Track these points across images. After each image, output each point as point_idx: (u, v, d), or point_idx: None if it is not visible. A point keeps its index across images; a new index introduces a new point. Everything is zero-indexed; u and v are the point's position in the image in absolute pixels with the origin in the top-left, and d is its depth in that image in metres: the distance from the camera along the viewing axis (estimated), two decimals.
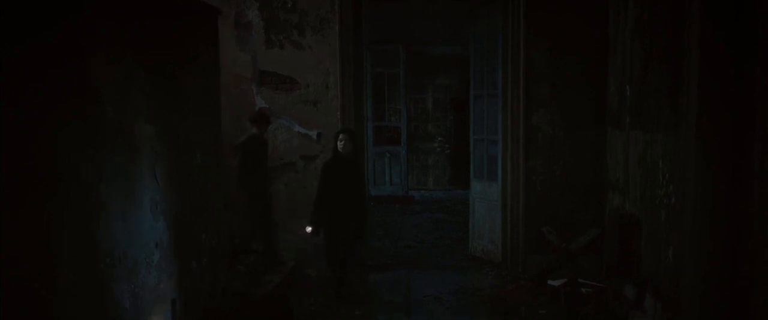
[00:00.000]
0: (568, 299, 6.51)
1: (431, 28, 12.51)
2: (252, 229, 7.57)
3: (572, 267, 7.17)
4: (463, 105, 13.02)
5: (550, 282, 6.91)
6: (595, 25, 7.28)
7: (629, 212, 6.50)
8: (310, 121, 7.70)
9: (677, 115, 5.15)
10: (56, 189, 3.49)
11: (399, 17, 11.88)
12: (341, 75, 7.71)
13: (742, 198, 4.59)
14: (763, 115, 4.20)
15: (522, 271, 7.54)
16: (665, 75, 5.48)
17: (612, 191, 7.14)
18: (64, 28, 3.60)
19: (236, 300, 5.86)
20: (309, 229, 6.78)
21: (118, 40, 4.21)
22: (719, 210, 4.67)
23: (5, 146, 3.10)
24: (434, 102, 15.42)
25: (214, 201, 5.96)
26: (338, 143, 6.82)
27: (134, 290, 4.37)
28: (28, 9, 3.27)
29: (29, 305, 3.26)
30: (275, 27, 7.68)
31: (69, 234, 3.59)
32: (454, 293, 7.07)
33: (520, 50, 7.48)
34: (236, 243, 7.19)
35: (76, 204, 3.67)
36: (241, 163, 7.38)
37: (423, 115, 15.46)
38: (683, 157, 4.97)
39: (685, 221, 4.92)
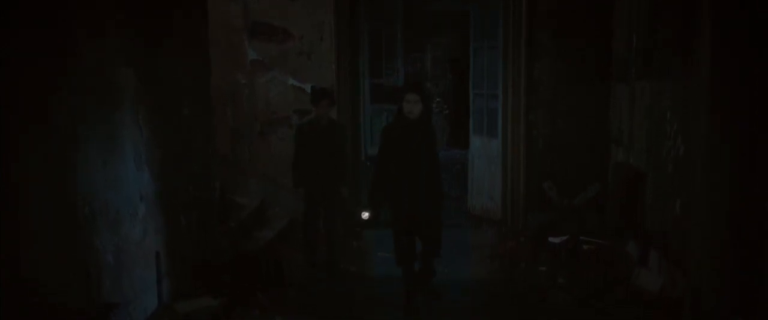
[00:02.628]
0: (570, 256, 6.33)
1: None
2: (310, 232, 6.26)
3: (574, 224, 6.99)
4: (462, 64, 12.75)
5: (550, 239, 6.73)
6: None
7: (634, 166, 6.29)
8: (304, 73, 7.42)
9: (689, 62, 4.90)
10: (23, 129, 3.25)
11: None
12: (336, 26, 7.41)
13: (757, 147, 4.38)
14: None
15: (522, 228, 7.36)
16: (676, 21, 5.22)
17: (616, 145, 6.92)
18: None
19: (226, 255, 5.66)
20: (366, 215, 5.37)
21: None
22: (732, 160, 4.47)
23: None
24: (433, 61, 15.15)
25: (204, 153, 5.74)
26: (405, 105, 5.15)
27: (118, 243, 4.16)
28: None
29: None
30: None
31: (39, 180, 3.36)
32: (452, 251, 6.88)
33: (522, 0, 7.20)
34: (228, 197, 6.97)
35: (47, 148, 3.44)
36: (294, 153, 6.19)
37: (421, 74, 15.19)
38: (694, 105, 4.74)
39: (694, 172, 4.71)
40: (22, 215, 3.20)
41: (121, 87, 4.25)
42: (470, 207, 8.43)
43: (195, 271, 5.23)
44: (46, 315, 2.94)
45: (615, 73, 6.95)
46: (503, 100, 7.55)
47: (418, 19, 13.92)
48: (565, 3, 7.10)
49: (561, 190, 7.20)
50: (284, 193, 7.53)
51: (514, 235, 7.19)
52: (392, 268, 6.30)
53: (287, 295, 5.46)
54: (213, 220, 5.92)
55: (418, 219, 5.29)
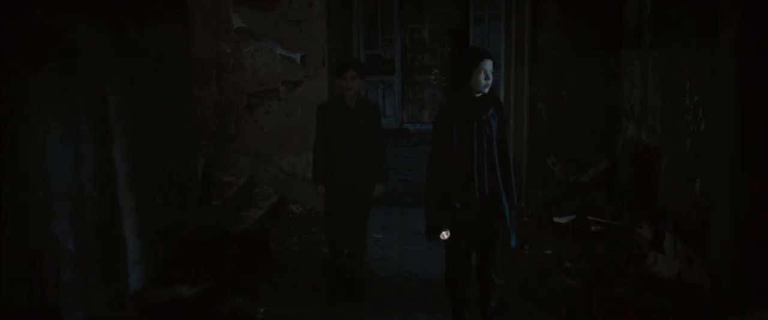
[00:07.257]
0: (578, 237, 5.95)
1: None
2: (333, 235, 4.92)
3: (579, 202, 6.60)
4: (462, 35, 12.30)
5: (555, 218, 6.35)
6: None
7: (646, 142, 5.88)
8: (293, 42, 6.97)
9: (712, 29, 4.46)
10: None
11: None
12: None
13: None
14: None
15: (524, 207, 6.95)
16: None
17: (626, 119, 6.49)
18: None
19: (208, 234, 5.27)
20: (445, 235, 3.87)
21: None
22: (760, 135, 4.06)
23: None
24: (431, 32, 14.70)
25: (182, 127, 5.32)
26: (475, 76, 3.69)
27: (79, 228, 3.75)
28: None
29: None
30: None
31: None
32: None
33: None
34: (213, 174, 6.57)
35: None
36: (315, 141, 4.77)
37: (419, 46, 14.73)
38: (719, 75, 4.31)
39: (717, 149, 4.30)
40: None
41: (86, 55, 3.81)
42: None
43: (173, 254, 4.83)
44: None
45: (625, 42, 6.50)
46: (505, 71, 7.11)
47: None
48: None
49: (566, 166, 6.79)
50: (273, 170, 7.14)
51: (517, 214, 6.79)
52: (386, 250, 5.94)
53: (272, 281, 5.07)
54: (193, 199, 5.52)
55: (488, 229, 3.94)
